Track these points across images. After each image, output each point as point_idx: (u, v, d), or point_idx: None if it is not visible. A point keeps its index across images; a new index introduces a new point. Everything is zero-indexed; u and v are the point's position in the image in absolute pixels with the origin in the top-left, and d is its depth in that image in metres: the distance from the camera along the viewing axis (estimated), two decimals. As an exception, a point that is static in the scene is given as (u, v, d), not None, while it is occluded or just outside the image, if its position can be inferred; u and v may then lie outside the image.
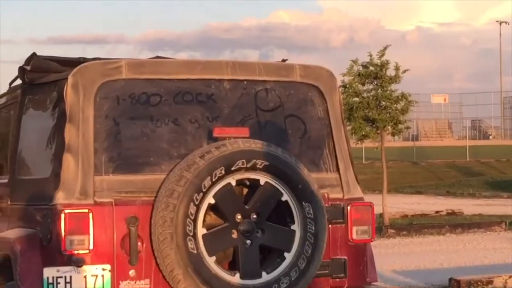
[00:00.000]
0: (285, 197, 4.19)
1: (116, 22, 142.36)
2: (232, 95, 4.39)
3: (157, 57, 4.82)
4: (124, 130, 4.18)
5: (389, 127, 16.08)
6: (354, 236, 4.48)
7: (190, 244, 3.96)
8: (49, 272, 3.96)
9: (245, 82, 4.44)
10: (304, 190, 4.22)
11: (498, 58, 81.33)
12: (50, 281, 3.95)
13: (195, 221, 4.00)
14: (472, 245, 12.76)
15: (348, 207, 4.46)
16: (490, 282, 8.37)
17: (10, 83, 4.94)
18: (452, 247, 12.70)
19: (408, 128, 19.29)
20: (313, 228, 4.20)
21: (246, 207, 4.18)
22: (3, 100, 5.14)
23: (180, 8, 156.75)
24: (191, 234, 3.97)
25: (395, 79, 15.63)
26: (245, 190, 4.29)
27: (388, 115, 15.62)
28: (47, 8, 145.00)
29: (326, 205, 4.34)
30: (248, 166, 4.10)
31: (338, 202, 4.47)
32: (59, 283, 3.96)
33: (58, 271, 3.97)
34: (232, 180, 4.12)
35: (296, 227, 4.20)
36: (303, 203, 4.20)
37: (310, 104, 4.57)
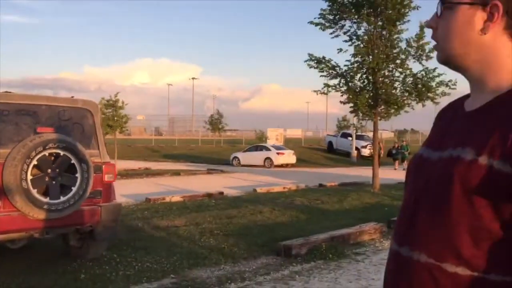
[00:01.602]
0: (73, 161, 5.62)
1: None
2: (46, 112, 5.69)
3: (6, 91, 5.77)
4: None
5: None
6: (106, 179, 6.02)
7: (24, 184, 5.24)
8: None
9: (53, 106, 5.73)
10: (83, 158, 5.60)
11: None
12: None
13: (26, 172, 5.29)
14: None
15: (103, 166, 5.99)
16: None
17: None
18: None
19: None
20: (87, 176, 5.66)
21: (53, 165, 5.52)
22: None
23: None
24: (24, 178, 5.26)
25: None
26: (53, 158, 5.55)
27: None
28: None
29: (93, 165, 5.77)
30: (54, 146, 5.39)
31: (98, 163, 5.94)
32: None
33: None
34: (46, 152, 5.39)
35: (78, 175, 5.65)
36: (82, 164, 5.62)
37: (86, 118, 5.95)
